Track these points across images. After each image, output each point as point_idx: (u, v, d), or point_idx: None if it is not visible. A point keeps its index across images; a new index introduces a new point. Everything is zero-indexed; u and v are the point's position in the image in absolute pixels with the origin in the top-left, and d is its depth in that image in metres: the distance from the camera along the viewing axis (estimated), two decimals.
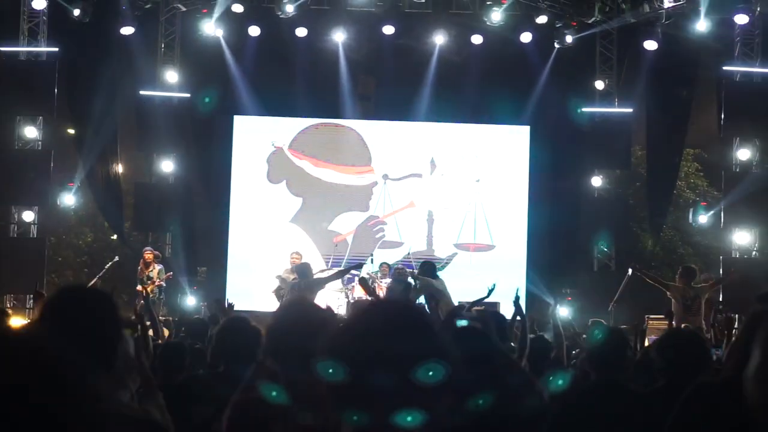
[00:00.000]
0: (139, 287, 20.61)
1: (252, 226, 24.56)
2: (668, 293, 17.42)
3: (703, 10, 22.05)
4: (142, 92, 23.89)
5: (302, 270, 17.68)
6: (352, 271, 20.29)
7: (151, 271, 20.83)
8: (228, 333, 6.38)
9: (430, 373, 2.30)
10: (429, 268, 18.09)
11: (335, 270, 19.84)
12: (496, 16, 23.17)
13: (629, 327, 13.07)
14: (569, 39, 23.53)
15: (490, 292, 14.56)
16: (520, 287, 12.78)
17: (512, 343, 8.39)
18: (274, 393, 4.12)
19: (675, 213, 27.80)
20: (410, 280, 17.86)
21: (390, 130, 25.28)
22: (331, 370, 2.32)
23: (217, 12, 23.23)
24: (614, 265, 23.80)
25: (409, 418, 2.28)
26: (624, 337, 6.68)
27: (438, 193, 24.88)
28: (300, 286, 17.02)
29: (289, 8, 23.00)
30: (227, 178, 24.76)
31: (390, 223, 24.92)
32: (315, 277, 18.03)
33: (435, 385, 2.30)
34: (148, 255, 21.04)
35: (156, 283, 20.74)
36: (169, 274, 21.28)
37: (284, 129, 25.06)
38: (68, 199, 24.35)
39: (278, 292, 19.44)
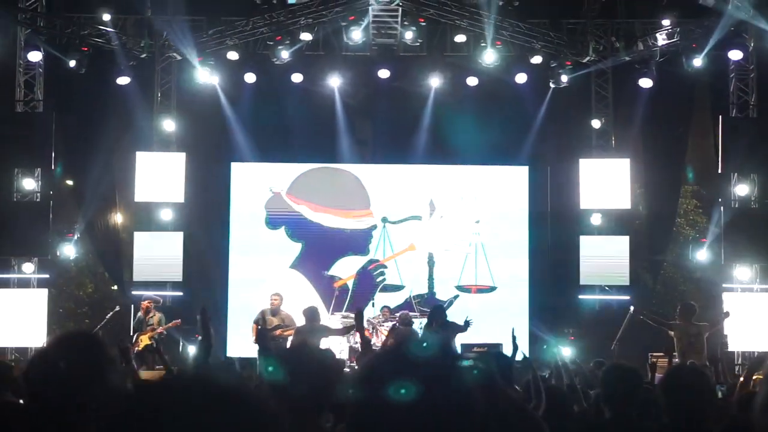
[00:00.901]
0: (135, 338, 20.46)
1: (252, 273, 24.51)
2: (671, 332, 17.39)
3: (711, 42, 22.07)
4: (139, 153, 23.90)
5: (311, 314, 17.64)
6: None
7: (152, 317, 20.65)
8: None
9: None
10: (439, 313, 17.96)
11: (342, 326, 19.74)
12: (490, 57, 23.21)
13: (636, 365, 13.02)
14: (564, 79, 23.58)
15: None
16: (515, 328, 12.75)
17: (516, 386, 8.33)
18: (270, 368, 4.10)
19: (675, 250, 27.74)
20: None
21: (388, 173, 25.32)
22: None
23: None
24: (616, 304, 23.73)
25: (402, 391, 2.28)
26: (638, 374, 6.67)
27: (438, 235, 24.87)
28: (305, 330, 16.99)
29: (284, 54, 23.10)
30: (226, 226, 24.78)
31: (390, 266, 24.89)
32: (322, 323, 18.00)
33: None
34: (146, 304, 20.87)
35: (158, 331, 20.53)
36: (176, 321, 21.04)
37: (282, 174, 25.09)
38: (68, 250, 24.34)
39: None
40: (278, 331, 19.16)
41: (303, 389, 4.17)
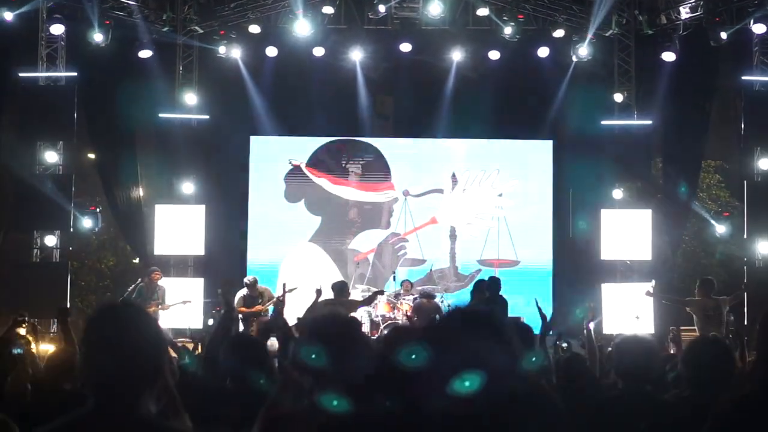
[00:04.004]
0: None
1: (271, 247, 24.56)
2: (688, 309, 17.37)
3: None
4: (161, 115, 23.99)
5: (340, 288, 17.61)
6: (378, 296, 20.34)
7: (157, 290, 20.40)
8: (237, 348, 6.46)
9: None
10: (494, 286, 17.78)
11: (363, 298, 19.72)
12: (509, 30, 23.08)
13: (655, 338, 13.03)
14: (586, 52, 23.47)
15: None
16: (538, 298, 12.87)
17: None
18: (261, 381, 4.11)
19: (697, 224, 27.67)
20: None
21: (409, 147, 25.27)
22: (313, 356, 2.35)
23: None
24: (637, 277, 23.67)
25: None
26: (651, 346, 6.64)
27: (460, 208, 24.83)
28: (333, 303, 16.98)
29: (306, 28, 23.01)
30: (245, 199, 24.79)
31: (412, 240, 24.86)
32: (350, 299, 17.97)
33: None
34: (157, 275, 20.48)
35: (164, 307, 20.09)
36: (187, 300, 20.89)
37: (302, 147, 25.06)
38: (89, 223, 24.35)
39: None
40: (257, 307, 19.26)
41: (353, 370, 4.07)
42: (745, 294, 20.15)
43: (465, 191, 24.88)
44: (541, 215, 24.77)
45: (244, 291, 19.81)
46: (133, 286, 20.39)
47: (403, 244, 24.86)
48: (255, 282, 20.08)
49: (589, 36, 23.11)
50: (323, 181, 24.91)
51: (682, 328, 18.69)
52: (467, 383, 2.34)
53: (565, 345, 11.98)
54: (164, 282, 21.01)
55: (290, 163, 24.85)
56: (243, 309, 19.41)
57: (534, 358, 6.72)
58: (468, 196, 24.85)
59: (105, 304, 3.78)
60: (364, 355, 4.15)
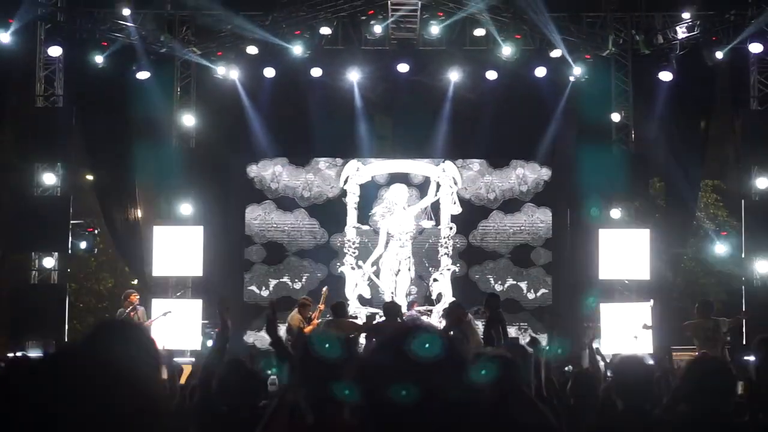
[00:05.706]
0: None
1: (270, 268, 24.65)
2: (687, 333, 17.38)
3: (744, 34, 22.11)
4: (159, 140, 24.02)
5: (337, 309, 17.67)
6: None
7: (135, 313, 19.64)
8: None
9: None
10: (494, 301, 17.84)
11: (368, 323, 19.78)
12: (507, 50, 23.12)
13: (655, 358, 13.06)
14: (583, 72, 23.50)
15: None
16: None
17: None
18: (274, 369, 4.13)
19: (695, 244, 27.69)
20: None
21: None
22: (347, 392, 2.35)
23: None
24: (636, 297, 23.62)
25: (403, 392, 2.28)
26: (649, 365, 6.66)
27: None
28: (332, 324, 17.11)
29: (301, 49, 23.06)
30: (243, 220, 24.79)
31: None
32: (348, 320, 18.02)
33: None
34: (134, 297, 19.95)
35: (148, 323, 19.31)
36: (167, 311, 20.47)
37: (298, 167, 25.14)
38: (88, 245, 24.33)
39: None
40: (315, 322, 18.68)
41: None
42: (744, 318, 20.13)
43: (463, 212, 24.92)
44: (541, 231, 24.83)
45: (295, 312, 18.98)
46: (119, 311, 20.06)
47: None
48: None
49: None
50: None
51: (680, 347, 18.72)
52: (483, 372, 2.35)
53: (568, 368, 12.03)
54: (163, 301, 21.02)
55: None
56: (309, 328, 18.33)
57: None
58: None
59: (101, 322, 3.79)
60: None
